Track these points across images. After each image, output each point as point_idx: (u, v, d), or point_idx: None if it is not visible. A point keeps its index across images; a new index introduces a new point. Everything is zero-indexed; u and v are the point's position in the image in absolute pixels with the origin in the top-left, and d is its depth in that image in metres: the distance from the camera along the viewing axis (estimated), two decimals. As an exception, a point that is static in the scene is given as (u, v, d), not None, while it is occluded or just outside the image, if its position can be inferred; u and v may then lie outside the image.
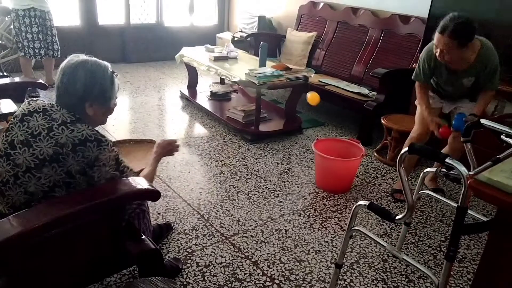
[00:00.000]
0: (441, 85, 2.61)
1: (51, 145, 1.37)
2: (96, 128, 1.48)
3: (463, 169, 1.26)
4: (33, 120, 1.42)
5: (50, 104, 1.46)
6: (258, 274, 2.03)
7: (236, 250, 2.19)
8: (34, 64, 4.57)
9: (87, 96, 1.46)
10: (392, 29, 4.03)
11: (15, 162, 1.38)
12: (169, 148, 1.93)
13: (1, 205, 1.42)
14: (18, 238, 1.20)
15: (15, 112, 1.70)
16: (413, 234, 2.43)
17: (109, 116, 1.62)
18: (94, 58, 1.52)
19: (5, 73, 4.54)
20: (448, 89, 2.60)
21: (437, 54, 2.32)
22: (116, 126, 3.72)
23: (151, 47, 6.05)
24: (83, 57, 1.50)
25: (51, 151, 1.36)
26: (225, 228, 2.37)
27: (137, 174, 1.62)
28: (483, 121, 1.79)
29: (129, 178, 1.53)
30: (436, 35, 2.27)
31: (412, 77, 2.61)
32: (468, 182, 1.17)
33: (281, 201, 2.68)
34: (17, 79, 3.08)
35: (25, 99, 2.52)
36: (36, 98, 1.52)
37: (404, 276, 2.08)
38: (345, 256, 2.17)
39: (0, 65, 4.82)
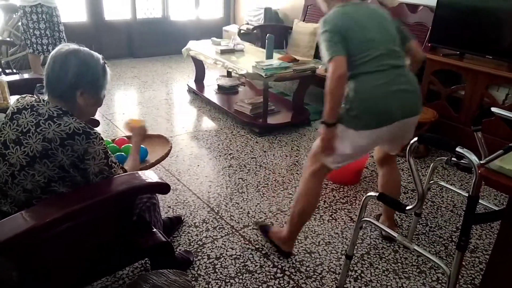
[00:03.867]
0: None
1: (39, 141, 1.36)
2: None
3: (474, 158, 1.25)
4: (22, 117, 1.40)
5: (37, 99, 1.45)
6: (269, 265, 2.04)
7: (247, 242, 2.20)
8: (42, 60, 4.60)
9: (79, 83, 1.43)
10: (400, 18, 3.97)
11: (10, 161, 1.38)
12: (144, 131, 1.90)
13: (6, 206, 1.43)
14: (30, 232, 1.21)
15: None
16: (424, 224, 2.42)
17: (98, 108, 1.59)
18: (86, 48, 1.50)
19: (14, 70, 4.59)
20: None
21: None
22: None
23: (158, 41, 6.05)
24: (74, 46, 1.48)
25: (40, 147, 1.35)
26: (235, 220, 2.38)
27: (124, 169, 1.60)
28: (494, 109, 1.77)
29: (139, 172, 1.54)
30: None
31: None
32: (479, 171, 1.16)
33: (290, 194, 2.68)
34: (26, 76, 3.12)
35: (34, 96, 2.54)
36: (25, 95, 1.50)
37: (416, 267, 2.08)
38: (356, 247, 2.17)
39: (9, 62, 4.86)
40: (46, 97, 1.46)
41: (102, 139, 1.45)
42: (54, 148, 1.35)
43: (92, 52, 1.50)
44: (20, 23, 4.27)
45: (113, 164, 1.49)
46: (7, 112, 1.46)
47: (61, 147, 1.36)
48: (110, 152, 1.50)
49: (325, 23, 1.78)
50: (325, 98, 1.72)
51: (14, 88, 2.54)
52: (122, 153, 1.93)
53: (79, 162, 1.39)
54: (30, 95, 1.50)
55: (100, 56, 1.52)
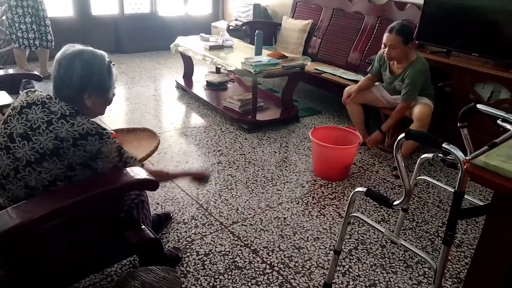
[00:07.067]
0: (384, 83, 3.15)
1: (51, 139, 1.35)
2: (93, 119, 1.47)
3: (460, 154, 1.26)
4: (31, 112, 1.39)
5: (48, 96, 1.44)
6: (258, 261, 2.05)
7: (236, 239, 2.20)
8: (28, 55, 4.53)
9: (85, 87, 1.44)
10: (388, 15, 4.00)
11: (15, 155, 1.36)
12: (201, 177, 1.94)
13: (1, 198, 1.41)
14: (17, 230, 1.20)
15: (10, 104, 1.68)
16: (411, 220, 2.45)
17: (108, 106, 1.60)
18: (90, 48, 1.49)
19: (-2, 65, 4.51)
20: (388, 88, 3.13)
21: (385, 52, 2.85)
22: (113, 118, 3.70)
23: (146, 37, 5.99)
24: (78, 47, 1.47)
25: (51, 145, 1.35)
26: (224, 217, 2.38)
27: (142, 164, 1.59)
28: (479, 106, 1.79)
29: (127, 168, 1.53)
30: (385, 35, 2.82)
31: (368, 70, 3.26)
32: (465, 167, 1.18)
33: (279, 190, 2.69)
34: (11, 71, 3.06)
35: (20, 91, 2.50)
36: (35, 90, 1.49)
37: (403, 262, 2.10)
38: (344, 242, 2.19)
39: (-6, 57, 4.78)
40: (51, 93, 1.46)
41: (114, 138, 1.46)
42: (65, 148, 1.35)
43: (97, 52, 1.49)
44: (4, 17, 4.20)
45: (128, 159, 1.51)
46: (14, 105, 1.44)
47: (74, 147, 1.36)
48: (124, 149, 1.51)
49: (422, 73, 2.84)
50: (395, 118, 2.90)
51: (-1, 83, 2.49)
52: None
53: (91, 162, 1.40)
54: (40, 90, 1.49)
55: (105, 55, 1.51)
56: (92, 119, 1.45)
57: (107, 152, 1.42)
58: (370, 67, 3.22)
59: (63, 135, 1.35)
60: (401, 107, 2.86)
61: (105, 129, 1.43)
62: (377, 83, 3.23)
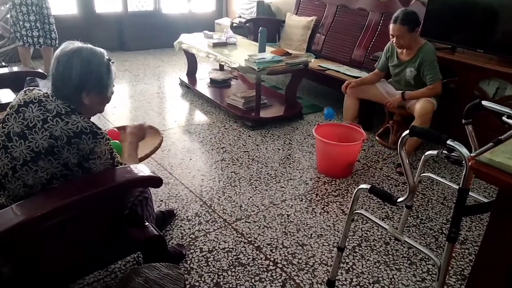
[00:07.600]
0: (392, 76, 3.17)
1: (46, 137, 1.35)
2: (97, 117, 1.47)
3: (464, 150, 1.26)
4: (28, 111, 1.39)
5: (46, 94, 1.43)
6: (261, 258, 2.05)
7: (239, 235, 2.21)
8: (32, 53, 4.55)
9: (84, 85, 1.43)
10: (392, 12, 3.94)
11: (12, 155, 1.36)
12: (141, 134, 1.84)
13: (3, 198, 1.41)
14: (22, 226, 1.20)
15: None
16: (415, 217, 2.44)
17: (106, 104, 1.58)
18: (89, 46, 1.48)
19: (3, 63, 4.52)
20: (396, 80, 3.14)
21: (394, 42, 2.92)
22: (116, 115, 3.71)
23: (149, 34, 6.00)
24: (78, 44, 1.46)
25: (45, 143, 1.34)
26: (228, 214, 2.39)
27: None
28: (484, 102, 1.78)
29: (131, 166, 1.53)
30: (391, 26, 2.88)
31: (375, 65, 3.27)
32: (469, 164, 1.17)
33: (282, 187, 2.69)
34: (15, 69, 3.07)
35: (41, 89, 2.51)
36: (33, 88, 1.49)
37: (406, 259, 2.10)
38: (347, 239, 2.19)
39: (-2, 55, 4.80)
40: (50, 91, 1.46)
41: (109, 139, 1.45)
42: (60, 146, 1.35)
43: (96, 49, 1.48)
44: (9, 15, 4.22)
45: (118, 165, 1.49)
46: (12, 104, 1.44)
47: (67, 145, 1.35)
48: (115, 153, 1.50)
49: (434, 53, 2.89)
50: (423, 93, 2.89)
51: (3, 81, 2.50)
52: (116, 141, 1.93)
53: (83, 161, 1.39)
54: (38, 89, 1.49)
55: (104, 53, 1.50)
56: (88, 118, 1.43)
57: (100, 153, 1.41)
58: (377, 63, 3.25)
59: (57, 134, 1.35)
60: (431, 87, 2.88)
61: (100, 128, 1.42)
62: (382, 79, 3.23)
